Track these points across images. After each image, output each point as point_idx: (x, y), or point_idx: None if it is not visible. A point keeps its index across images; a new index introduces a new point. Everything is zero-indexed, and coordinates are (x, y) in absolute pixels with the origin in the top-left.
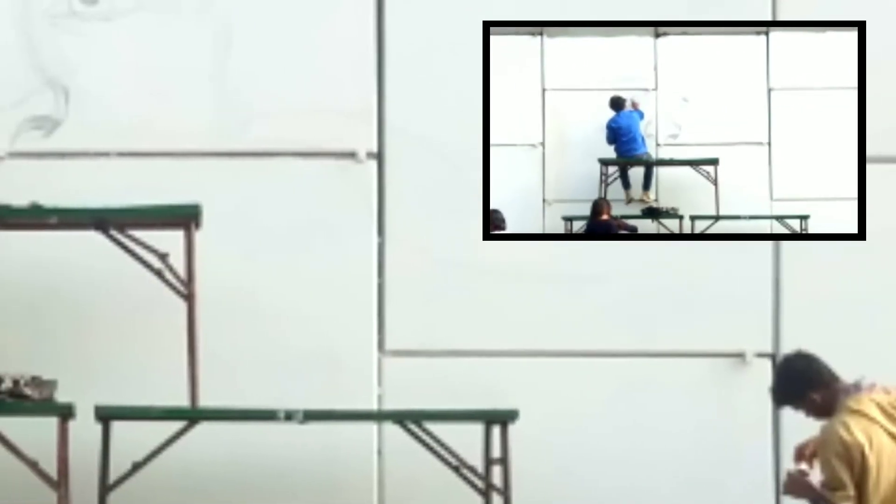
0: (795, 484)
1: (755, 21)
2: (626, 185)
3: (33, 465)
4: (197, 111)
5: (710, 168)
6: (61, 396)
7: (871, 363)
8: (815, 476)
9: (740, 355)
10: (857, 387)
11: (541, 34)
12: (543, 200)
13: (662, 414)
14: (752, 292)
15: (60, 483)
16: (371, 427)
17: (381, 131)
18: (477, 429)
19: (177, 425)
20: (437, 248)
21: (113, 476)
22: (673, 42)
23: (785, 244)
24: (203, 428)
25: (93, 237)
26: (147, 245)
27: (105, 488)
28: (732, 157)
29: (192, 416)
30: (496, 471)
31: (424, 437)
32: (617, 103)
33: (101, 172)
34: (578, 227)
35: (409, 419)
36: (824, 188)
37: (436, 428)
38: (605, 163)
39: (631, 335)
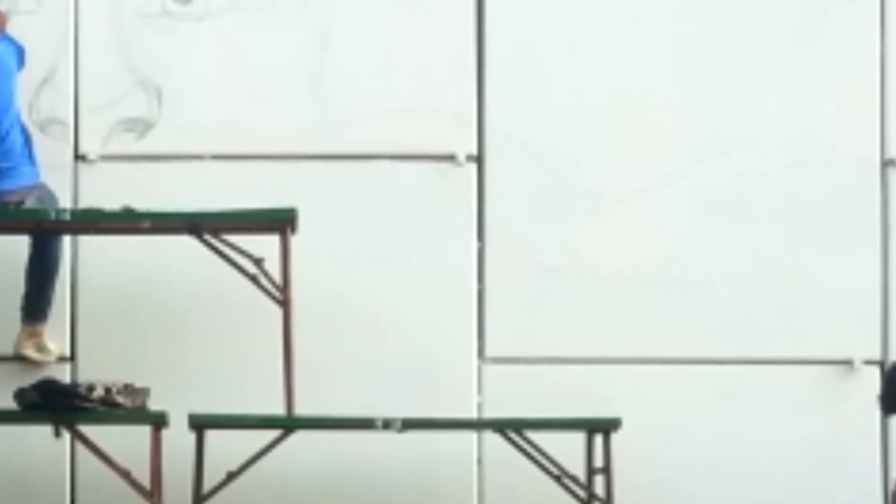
0: None
1: None
2: None
3: (126, 475)
4: (293, 113)
5: None
6: (154, 404)
7: None
8: None
9: (848, 362)
10: None
11: None
12: None
13: (768, 422)
14: (860, 298)
15: (153, 493)
16: (470, 436)
17: (482, 134)
18: (579, 437)
19: (272, 434)
20: (539, 253)
21: (207, 486)
22: None
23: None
24: (299, 436)
25: (186, 242)
26: (242, 250)
27: (199, 498)
28: None
29: (288, 424)
30: (598, 480)
31: (525, 445)
32: None
33: (194, 175)
34: None
35: (509, 428)
36: None
37: (537, 436)
38: None
39: (736, 342)
